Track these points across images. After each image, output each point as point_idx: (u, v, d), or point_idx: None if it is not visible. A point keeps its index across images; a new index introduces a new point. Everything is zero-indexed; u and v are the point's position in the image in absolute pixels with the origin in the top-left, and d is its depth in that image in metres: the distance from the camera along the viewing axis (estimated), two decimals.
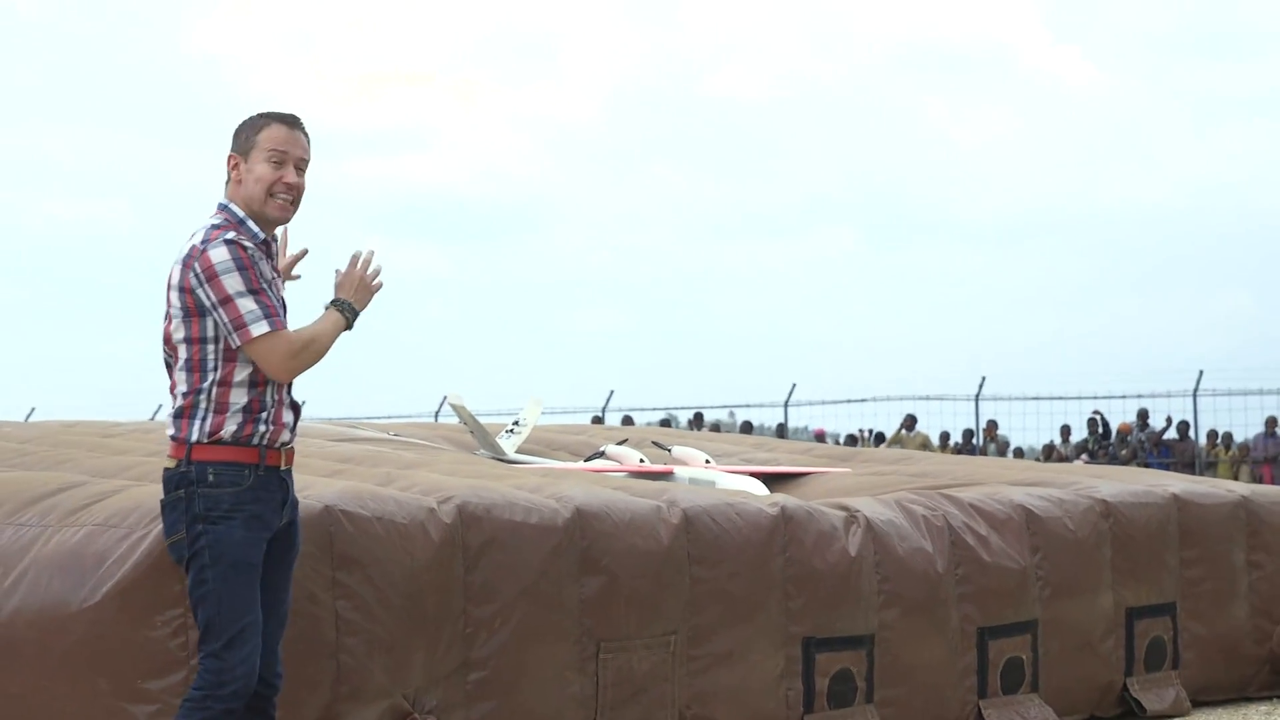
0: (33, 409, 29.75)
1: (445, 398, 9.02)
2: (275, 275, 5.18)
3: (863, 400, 26.83)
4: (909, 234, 45.81)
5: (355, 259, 5.17)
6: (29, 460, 6.64)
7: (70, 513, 5.62)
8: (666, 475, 8.07)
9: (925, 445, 24.75)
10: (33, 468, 6.46)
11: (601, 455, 8.63)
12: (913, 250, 45.60)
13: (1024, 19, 48.73)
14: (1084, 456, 23.81)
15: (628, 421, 27.74)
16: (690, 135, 48.41)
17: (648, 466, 8.25)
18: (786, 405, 27.72)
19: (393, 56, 50.97)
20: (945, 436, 25.68)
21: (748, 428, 27.54)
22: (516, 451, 8.80)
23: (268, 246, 5.15)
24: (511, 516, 6.04)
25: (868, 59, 48.05)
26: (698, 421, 27.33)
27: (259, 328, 4.96)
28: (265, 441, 5.03)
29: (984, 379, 25.40)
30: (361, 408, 28.33)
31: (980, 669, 7.31)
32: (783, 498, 7.10)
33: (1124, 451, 23.64)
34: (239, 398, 5.03)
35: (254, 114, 5.25)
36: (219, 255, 4.96)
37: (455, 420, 9.90)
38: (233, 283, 4.97)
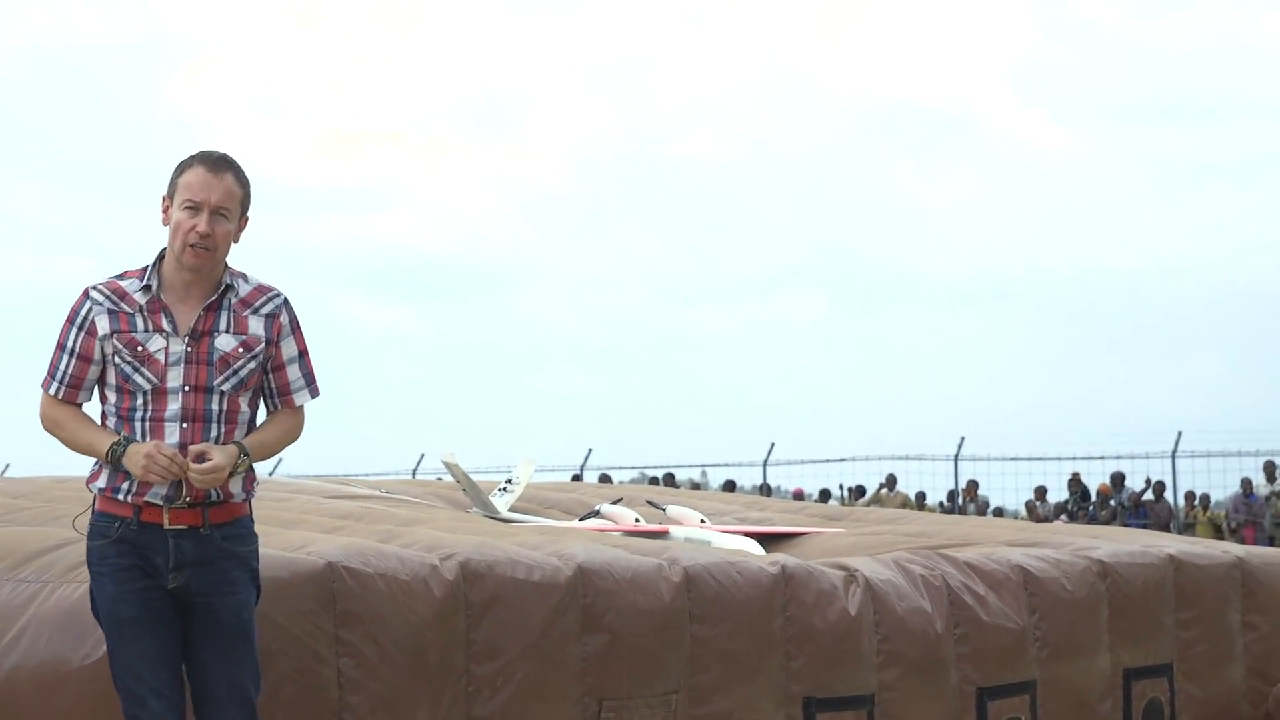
0: (7, 465, 29.62)
1: (438, 456, 8.97)
2: (159, 331, 4.89)
3: (841, 460, 26.85)
4: (879, 297, 45.91)
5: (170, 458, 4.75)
6: (24, 516, 6.58)
7: (70, 569, 5.57)
8: (662, 534, 8.03)
9: (905, 504, 24.75)
10: (28, 523, 6.40)
11: (597, 514, 8.59)
12: (884, 313, 45.69)
13: (990, 82, 48.96)
14: (1063, 517, 23.82)
15: (605, 479, 27.69)
16: (659, 198, 48.53)
17: (644, 526, 8.22)
18: (765, 464, 27.71)
19: (362, 114, 51.03)
20: (922, 496, 25.69)
21: (730, 486, 27.51)
22: (510, 510, 8.76)
23: (156, 302, 4.92)
24: (514, 574, 6.00)
25: (834, 122, 48.23)
26: (669, 482, 27.28)
27: (44, 379, 4.98)
28: (131, 497, 4.84)
29: (963, 439, 25.43)
30: (339, 464, 28.21)
31: None
32: (783, 557, 7.07)
33: (1103, 513, 23.65)
34: None
35: (188, 155, 5.03)
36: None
37: (443, 478, 9.86)
38: (60, 332, 4.97)
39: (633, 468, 29.93)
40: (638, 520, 8.32)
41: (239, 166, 5.00)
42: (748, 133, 48.16)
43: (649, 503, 9.03)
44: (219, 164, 4.95)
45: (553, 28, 50.17)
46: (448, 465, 8.95)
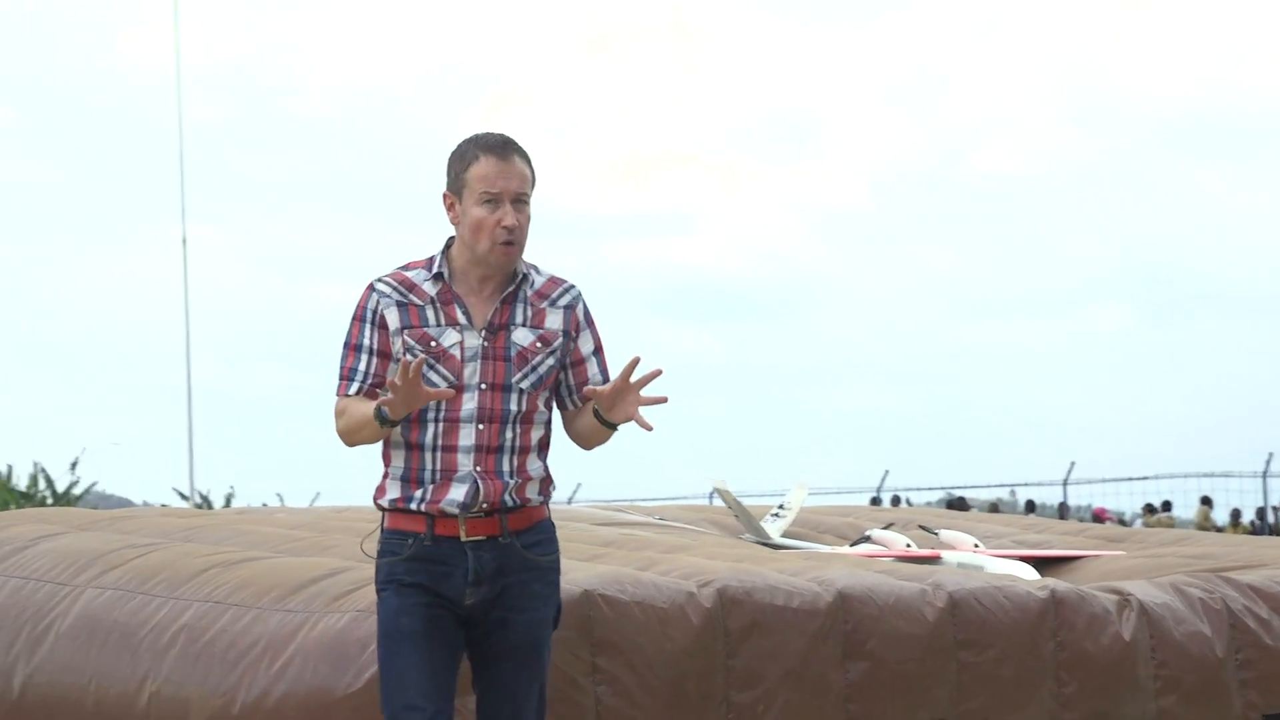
0: (317, 494, 30.37)
1: (711, 484, 8.98)
2: (453, 325, 4.65)
3: (1144, 478, 26.25)
4: (1186, 308, 44.79)
5: (404, 365, 4.47)
6: (297, 546, 6.75)
7: (335, 599, 5.69)
8: (934, 560, 7.93)
9: (1205, 522, 24.10)
10: (300, 554, 6.57)
11: (867, 540, 8.52)
12: (1190, 325, 44.57)
13: None
14: None
15: (897, 502, 27.46)
16: (956, 213, 48.09)
17: (914, 551, 8.12)
18: (1065, 484, 27.23)
19: (657, 139, 51.52)
20: (1236, 514, 25.00)
21: (1030, 507, 27.08)
22: (782, 535, 8.74)
23: (449, 293, 4.68)
24: (773, 600, 5.98)
25: (1135, 130, 47.26)
26: (959, 504, 26.93)
27: (337, 385, 4.73)
28: (425, 508, 4.62)
29: (1270, 455, 24.65)
30: (633, 490, 28.47)
31: None
32: (1053, 581, 6.93)
33: None
34: (397, 459, 4.71)
35: (463, 142, 4.73)
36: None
37: (722, 504, 9.87)
38: (349, 331, 4.73)
39: (930, 488, 29.67)
40: (908, 545, 8.22)
41: (521, 146, 4.72)
42: (1046, 144, 47.52)
43: (921, 527, 8.93)
44: (506, 149, 4.67)
45: (846, 45, 50.13)
46: (719, 491, 8.97)
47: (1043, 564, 8.35)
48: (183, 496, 25.91)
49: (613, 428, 4.74)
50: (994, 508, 27.42)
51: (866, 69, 49.49)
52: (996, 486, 29.37)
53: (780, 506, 9.02)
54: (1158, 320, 46.19)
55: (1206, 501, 25.11)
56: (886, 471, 28.65)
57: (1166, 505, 26.12)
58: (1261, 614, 7.15)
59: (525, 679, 4.70)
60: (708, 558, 6.66)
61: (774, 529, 8.73)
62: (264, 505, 22.32)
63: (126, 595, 6.23)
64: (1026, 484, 27.91)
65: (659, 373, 4.63)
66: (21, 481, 29.18)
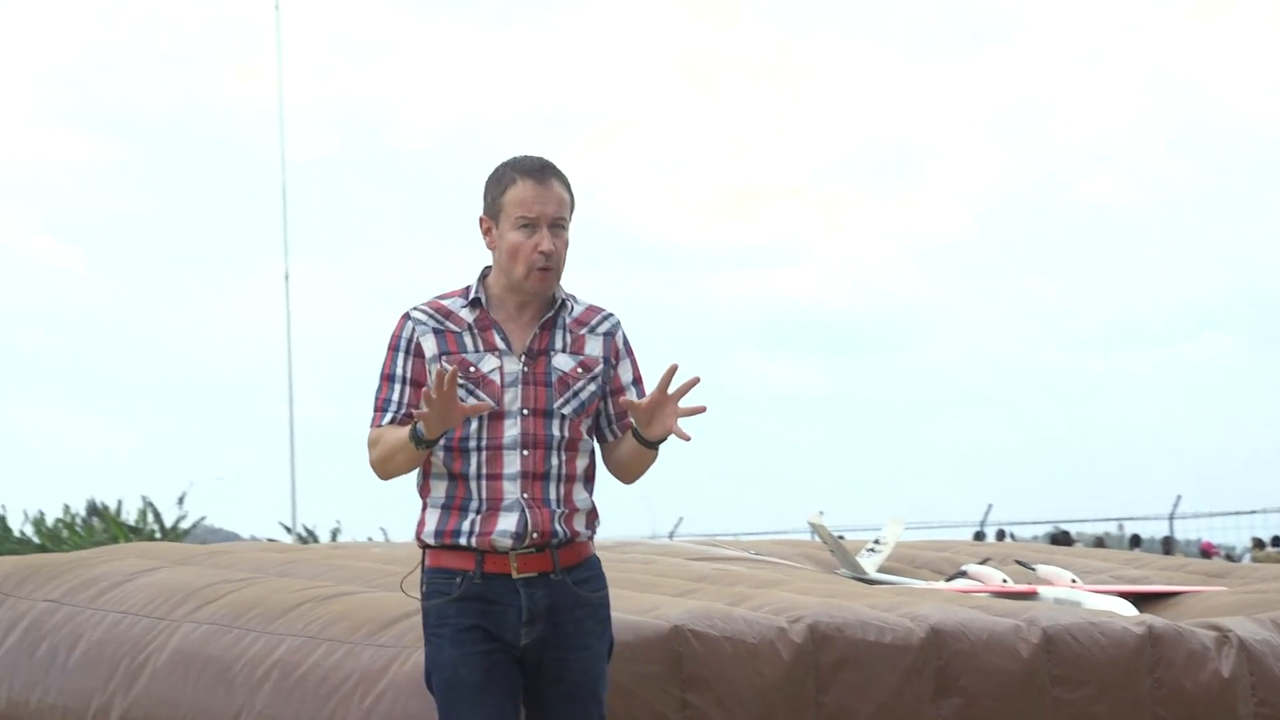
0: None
1: (807, 519, 8.96)
2: (491, 350, 4.53)
3: (1252, 512, 25.87)
4: None
5: (439, 375, 4.33)
6: (391, 581, 6.76)
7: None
8: (1030, 595, 7.86)
9: None
10: (394, 588, 6.58)
11: (963, 575, 8.46)
12: None
13: None
14: None
15: (1001, 536, 27.20)
16: (1062, 244, 47.73)
17: (1011, 586, 8.06)
18: (1171, 518, 26.88)
19: (761, 172, 51.54)
20: None
21: (1136, 541, 26.76)
22: (877, 570, 8.69)
23: (486, 319, 4.56)
24: (865, 635, 5.94)
25: (1241, 157, 46.74)
26: (1062, 539, 26.65)
27: (371, 417, 4.58)
28: (474, 543, 4.47)
29: None
30: (735, 525, 28.38)
31: None
32: (1149, 617, 6.85)
33: None
34: (438, 489, 4.57)
35: (499, 166, 4.60)
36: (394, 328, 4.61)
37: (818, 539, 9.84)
38: (384, 362, 4.59)
39: (1034, 523, 29.37)
40: (1005, 581, 8.16)
41: (560, 170, 4.59)
42: (1151, 173, 47.13)
43: (1018, 562, 8.85)
44: (544, 173, 4.54)
45: (949, 76, 49.93)
46: (814, 525, 8.95)
47: (1142, 600, 8.26)
48: (288, 530, 26.14)
49: (653, 448, 4.58)
50: (1099, 542, 27.13)
51: (969, 100, 49.28)
52: (1102, 521, 29.04)
53: (876, 541, 8.99)
54: (1268, 350, 45.61)
55: None
56: (990, 505, 28.37)
57: (1277, 540, 25.75)
58: None
59: (581, 718, 4.56)
60: (800, 593, 6.63)
61: (869, 564, 8.69)
62: (369, 539, 22.44)
63: (221, 630, 6.28)
64: (1132, 518, 27.58)
65: (697, 381, 4.46)
66: (130, 516, 29.48)
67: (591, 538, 4.67)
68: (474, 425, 4.50)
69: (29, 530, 24.67)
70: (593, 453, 4.69)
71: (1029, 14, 49.77)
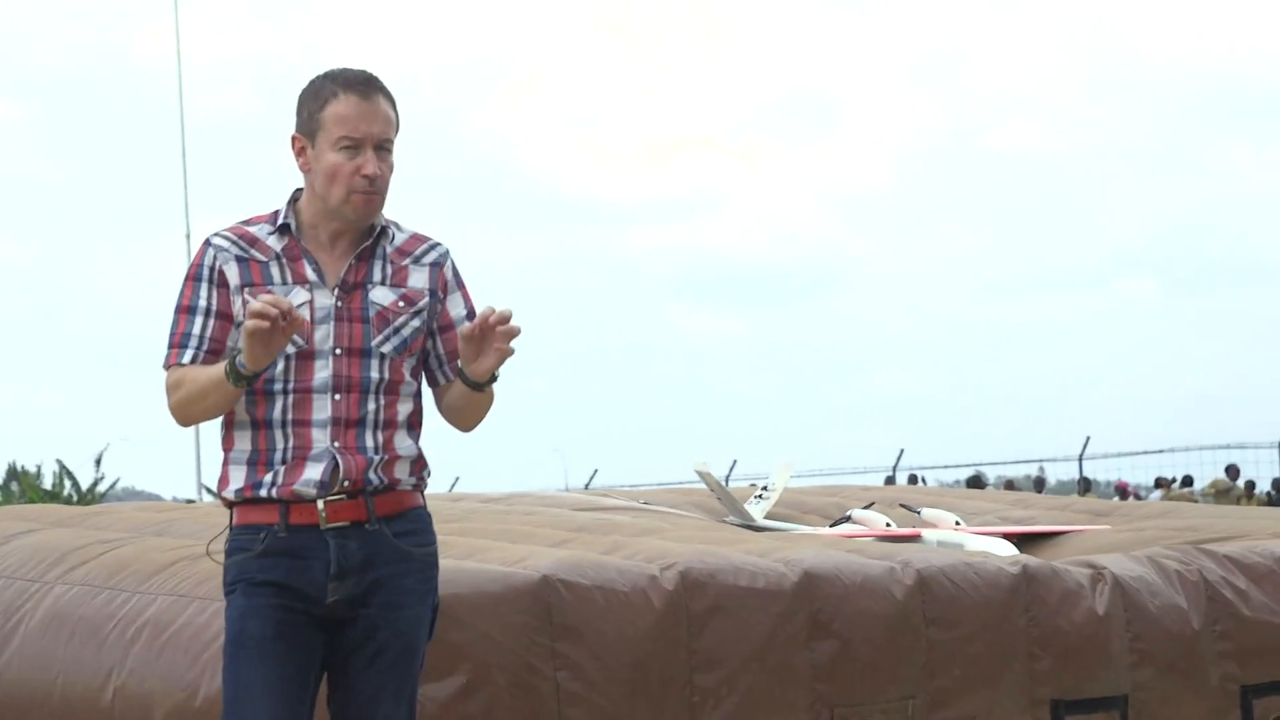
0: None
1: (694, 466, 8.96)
2: (301, 283, 4.15)
3: (1159, 451, 26.19)
4: (1212, 281, 44.65)
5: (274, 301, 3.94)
6: None
7: None
8: (914, 538, 7.90)
9: (1225, 494, 24.06)
10: None
11: (848, 520, 8.50)
12: (1217, 297, 44.42)
13: None
14: None
15: (913, 480, 27.39)
16: (979, 191, 48.00)
17: (894, 530, 8.09)
18: (1081, 459, 27.18)
19: (676, 122, 51.53)
20: (1251, 486, 24.95)
21: (1039, 485, 27.02)
22: (765, 517, 8.71)
23: (296, 247, 4.18)
24: (737, 581, 5.96)
25: (1160, 103, 47.10)
26: (975, 482, 26.90)
27: (166, 356, 4.15)
28: (277, 494, 4.09)
29: None
30: (655, 475, 28.44)
31: None
32: (1025, 557, 6.91)
33: None
34: (242, 440, 4.17)
35: (317, 78, 4.18)
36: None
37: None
38: (181, 294, 4.17)
39: (949, 466, 29.62)
40: (889, 525, 8.20)
41: (386, 86, 4.19)
42: (1068, 119, 47.46)
43: (902, 505, 8.90)
44: (369, 86, 4.14)
45: (865, 25, 50.09)
46: (700, 474, 8.95)
47: (1027, 540, 8.33)
48: (211, 492, 26.14)
49: (481, 389, 4.23)
50: (1011, 485, 27.38)
51: (886, 49, 49.51)
52: (1016, 463, 29.31)
53: (764, 488, 9.00)
54: (1180, 292, 46.08)
55: (1231, 471, 25.04)
56: (901, 450, 28.61)
57: (1188, 480, 26.05)
58: (1239, 585, 7.12)
59: (393, 689, 4.19)
60: (677, 541, 6.65)
61: (757, 511, 8.71)
62: None
63: (94, 590, 6.24)
64: (1041, 460, 27.85)
65: (509, 314, 4.10)
66: (47, 480, 29.27)
67: (417, 487, 4.32)
68: (280, 366, 4.12)
69: None
70: (418, 395, 4.35)
71: None
